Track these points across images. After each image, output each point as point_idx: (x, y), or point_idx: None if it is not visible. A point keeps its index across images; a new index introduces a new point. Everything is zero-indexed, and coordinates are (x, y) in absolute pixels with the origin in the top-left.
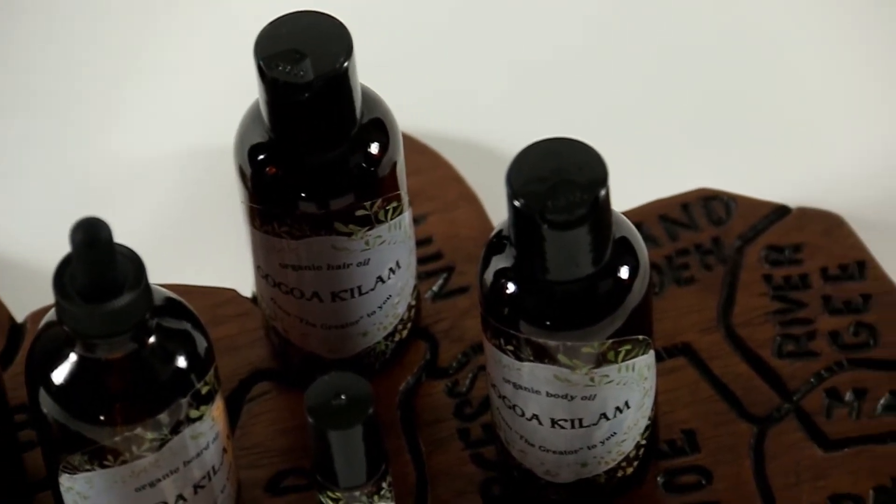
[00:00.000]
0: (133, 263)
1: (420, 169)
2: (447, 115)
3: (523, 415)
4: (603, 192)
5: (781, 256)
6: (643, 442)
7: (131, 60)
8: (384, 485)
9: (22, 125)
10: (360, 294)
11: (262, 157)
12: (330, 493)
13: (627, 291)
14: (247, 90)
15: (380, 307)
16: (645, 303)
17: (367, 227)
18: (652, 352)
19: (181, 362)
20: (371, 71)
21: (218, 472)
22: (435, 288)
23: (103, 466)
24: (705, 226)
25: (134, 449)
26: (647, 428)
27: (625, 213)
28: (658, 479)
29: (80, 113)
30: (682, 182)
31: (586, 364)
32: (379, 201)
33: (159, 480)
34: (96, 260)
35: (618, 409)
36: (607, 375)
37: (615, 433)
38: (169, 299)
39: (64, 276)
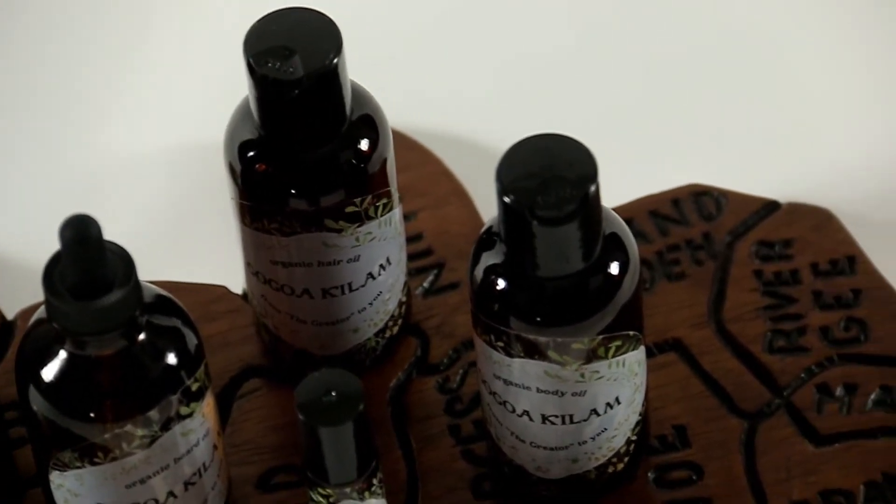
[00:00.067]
0: (123, 260)
1: (410, 165)
2: (437, 112)
3: (514, 411)
4: (593, 188)
5: (772, 252)
6: (634, 438)
7: (121, 58)
8: (375, 481)
9: (10, 123)
10: (351, 290)
11: (252, 153)
12: (320, 490)
13: (617, 287)
14: (237, 87)
15: (370, 303)
16: (635, 299)
17: (357, 224)
18: (642, 347)
19: (171, 359)
20: (361, 67)
21: (208, 469)
22: (425, 284)
23: (94, 463)
24: (696, 221)
25: (124, 446)
26: (637, 424)
27: (615, 209)
28: (649, 474)
29: (69, 110)
30: (672, 178)
31: (576, 360)
32: (369, 198)
33: (150, 477)
34: (86, 257)
35: (608, 404)
36: (598, 371)
37: (606, 429)
38: (159, 296)
39: (53, 273)
